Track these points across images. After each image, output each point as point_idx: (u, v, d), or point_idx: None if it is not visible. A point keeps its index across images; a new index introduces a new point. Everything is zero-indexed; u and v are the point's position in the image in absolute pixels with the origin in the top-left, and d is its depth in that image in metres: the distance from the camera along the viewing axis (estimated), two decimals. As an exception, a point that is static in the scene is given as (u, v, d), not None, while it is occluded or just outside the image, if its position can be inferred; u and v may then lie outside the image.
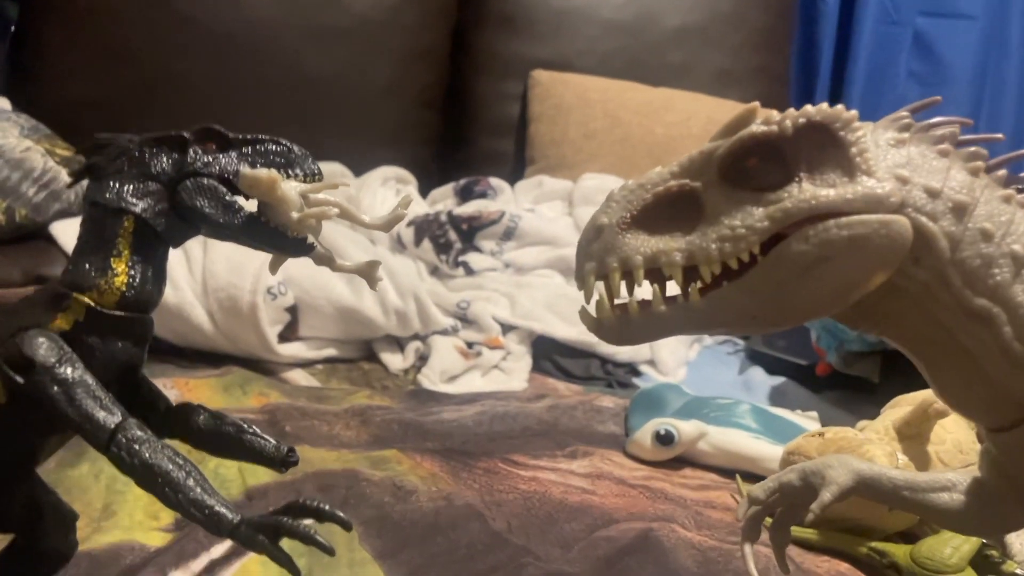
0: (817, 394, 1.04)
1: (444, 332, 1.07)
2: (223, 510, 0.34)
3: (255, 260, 0.96)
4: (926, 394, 0.66)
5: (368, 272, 0.40)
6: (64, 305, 0.37)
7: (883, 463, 0.59)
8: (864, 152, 0.35)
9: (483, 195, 1.39)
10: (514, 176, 1.55)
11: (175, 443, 0.37)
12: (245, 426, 0.40)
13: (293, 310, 0.99)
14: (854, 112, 0.36)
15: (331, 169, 1.38)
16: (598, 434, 0.86)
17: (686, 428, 0.79)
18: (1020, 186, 0.37)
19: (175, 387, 0.85)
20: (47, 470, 0.57)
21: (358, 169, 1.41)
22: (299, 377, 0.97)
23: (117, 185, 0.38)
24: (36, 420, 0.37)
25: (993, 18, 1.86)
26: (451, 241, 1.22)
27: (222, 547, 0.55)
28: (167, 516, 0.59)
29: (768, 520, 0.50)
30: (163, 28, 1.43)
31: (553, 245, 1.24)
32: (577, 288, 0.37)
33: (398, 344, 1.06)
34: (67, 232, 1.04)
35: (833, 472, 0.45)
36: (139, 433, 0.35)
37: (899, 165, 0.36)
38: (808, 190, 0.34)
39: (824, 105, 0.36)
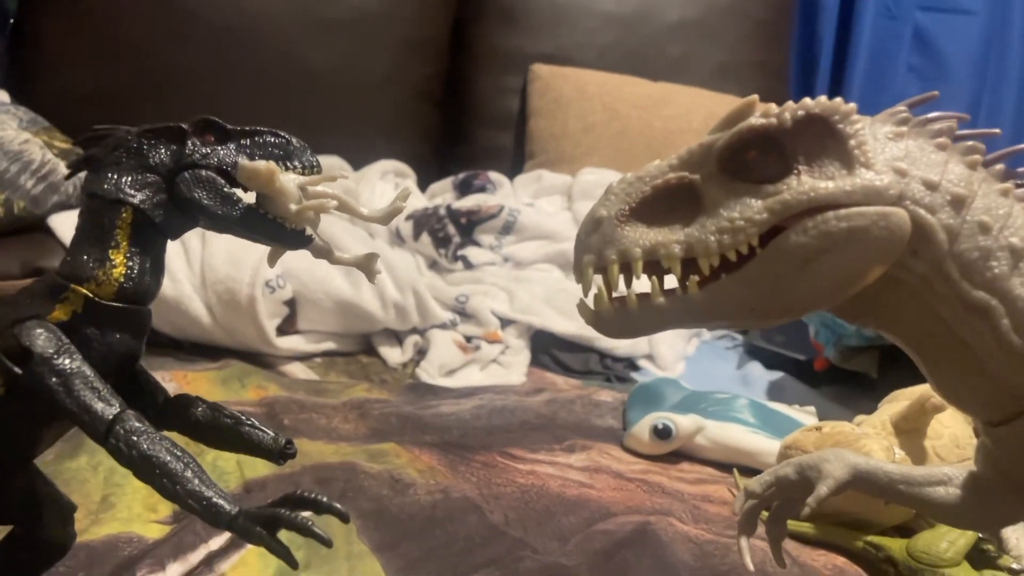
0: (815, 389, 1.04)
1: (443, 326, 1.08)
2: (221, 501, 0.34)
3: (254, 253, 0.96)
4: (923, 389, 0.66)
5: (366, 265, 0.40)
6: (62, 296, 0.37)
7: (880, 457, 0.59)
8: (863, 145, 0.35)
9: (482, 189, 1.39)
10: (513, 170, 1.55)
11: (173, 435, 0.37)
12: (243, 418, 0.40)
13: (292, 303, 0.99)
14: (853, 105, 0.36)
15: (330, 162, 1.37)
16: (596, 428, 0.86)
17: (684, 422, 0.79)
18: (1018, 180, 0.37)
19: (173, 380, 0.85)
20: (45, 462, 0.57)
21: (357, 163, 1.41)
22: (297, 370, 0.97)
23: (115, 177, 0.38)
24: (34, 411, 0.37)
25: (993, 13, 1.86)
26: (450, 235, 1.22)
27: (220, 539, 0.55)
28: (165, 508, 0.59)
29: (764, 514, 0.50)
30: (162, 21, 1.43)
31: (552, 239, 1.24)
32: (575, 281, 0.37)
33: (397, 338, 1.07)
34: (65, 224, 1.03)
35: (829, 466, 0.45)
36: (137, 424, 0.35)
37: (897, 158, 0.36)
38: (807, 182, 0.34)
39: (823, 98, 0.36)
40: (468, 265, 1.20)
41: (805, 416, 0.85)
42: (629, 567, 0.58)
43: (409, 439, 0.77)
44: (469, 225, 1.23)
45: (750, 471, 0.75)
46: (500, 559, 0.57)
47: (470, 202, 1.28)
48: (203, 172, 0.38)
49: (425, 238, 1.22)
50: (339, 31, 1.50)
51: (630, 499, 0.69)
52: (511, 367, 1.03)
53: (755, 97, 0.36)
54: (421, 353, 1.03)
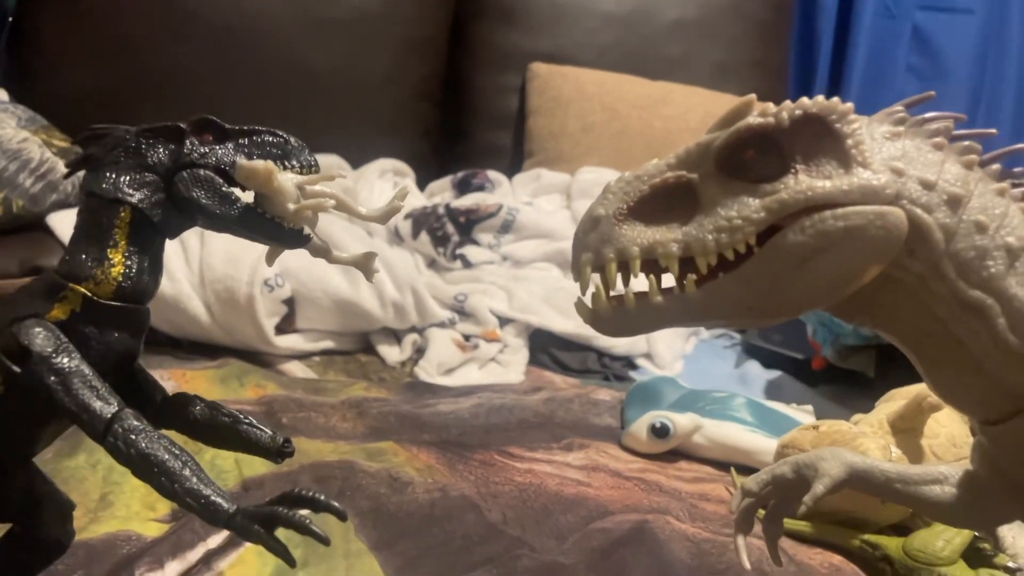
0: (812, 388, 1.04)
1: (441, 325, 1.08)
2: (219, 500, 0.34)
3: (252, 252, 0.96)
4: (920, 388, 0.66)
5: (364, 264, 0.41)
6: (61, 295, 0.37)
7: (876, 456, 0.59)
8: (860, 144, 0.35)
9: (481, 188, 1.39)
10: (512, 169, 1.55)
11: (171, 433, 0.37)
12: (241, 416, 0.41)
13: (290, 302, 0.99)
14: (850, 104, 0.36)
15: (328, 161, 1.37)
16: (594, 427, 0.86)
17: (681, 421, 0.79)
18: (1014, 180, 0.37)
19: (172, 379, 0.85)
20: (44, 460, 0.57)
21: (356, 161, 1.41)
22: (296, 369, 0.97)
23: (114, 176, 0.38)
24: (33, 410, 0.37)
25: (991, 12, 1.86)
26: (449, 234, 1.22)
27: (219, 537, 0.55)
28: (164, 507, 0.59)
29: (761, 512, 0.50)
30: (161, 20, 1.43)
31: (551, 238, 1.24)
32: (573, 279, 0.37)
33: (395, 336, 1.07)
34: (64, 223, 1.03)
35: (826, 464, 0.45)
36: (135, 423, 0.35)
37: (894, 158, 0.36)
38: (804, 181, 0.35)
39: (820, 97, 0.36)
40: (467, 264, 1.20)
41: (802, 415, 0.85)
42: (626, 565, 0.58)
43: (407, 438, 0.77)
44: (468, 224, 1.23)
45: (747, 470, 0.75)
46: (498, 557, 0.57)
47: (469, 201, 1.28)
48: (201, 171, 0.38)
49: (424, 237, 1.22)
50: (338, 30, 1.50)
51: (628, 498, 0.69)
52: (509, 366, 1.03)
53: (753, 96, 0.37)
54: (420, 352, 1.03)
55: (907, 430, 0.67)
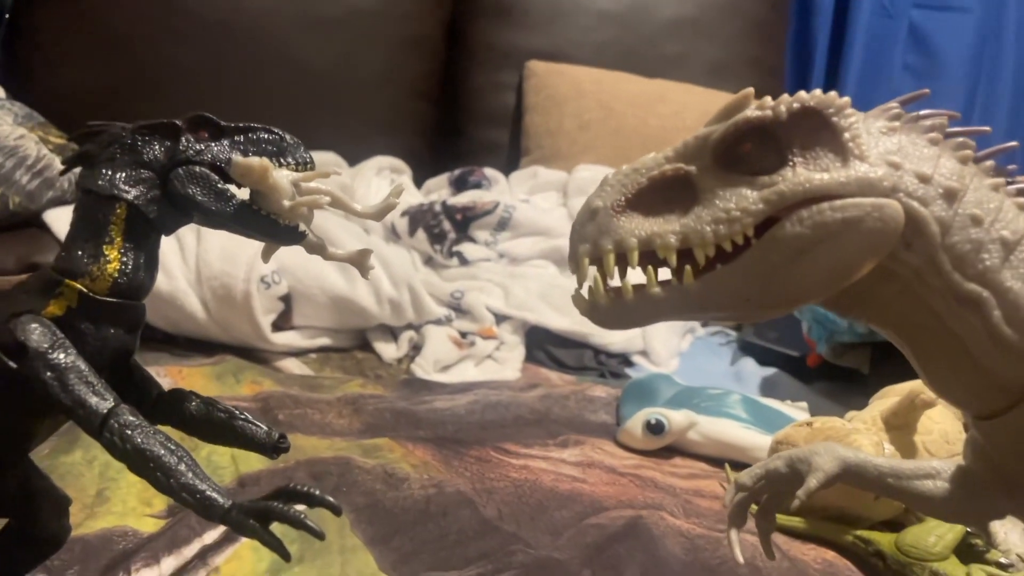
0: (808, 385, 1.04)
1: (438, 322, 1.08)
2: (214, 495, 0.34)
3: (248, 249, 0.96)
4: (914, 385, 0.67)
5: (360, 260, 0.41)
6: (57, 291, 0.37)
7: (870, 452, 0.59)
8: (857, 137, 0.35)
9: (477, 185, 1.39)
10: (509, 167, 1.55)
11: (167, 429, 0.37)
12: (236, 412, 0.41)
13: (287, 299, 0.99)
14: (847, 98, 0.36)
15: (325, 159, 1.38)
16: (590, 423, 0.86)
17: (676, 418, 0.79)
18: (1008, 177, 0.37)
19: (168, 375, 0.85)
20: (41, 456, 0.57)
21: (352, 159, 1.41)
22: (292, 366, 0.97)
23: (109, 172, 0.38)
24: (29, 406, 0.37)
25: (987, 10, 1.86)
26: (445, 231, 1.22)
27: (214, 533, 0.55)
28: (160, 502, 0.60)
29: (755, 507, 0.50)
30: (158, 17, 1.43)
31: (547, 236, 1.25)
32: (571, 271, 0.37)
33: (392, 333, 1.07)
34: (60, 219, 1.03)
35: (819, 459, 0.45)
36: (131, 418, 0.35)
37: (891, 151, 0.36)
38: (802, 173, 0.35)
39: (818, 91, 0.36)
40: (463, 261, 1.21)
41: (797, 412, 0.86)
42: (621, 561, 0.58)
43: (403, 434, 0.77)
44: (464, 221, 1.23)
45: (742, 466, 0.75)
46: (493, 553, 0.58)
47: (465, 198, 1.28)
48: (197, 168, 0.38)
49: (420, 234, 1.22)
50: (335, 28, 1.50)
51: (622, 494, 0.70)
52: (506, 363, 1.03)
53: (751, 90, 0.37)
54: (416, 349, 1.04)
55: (901, 427, 0.67)
